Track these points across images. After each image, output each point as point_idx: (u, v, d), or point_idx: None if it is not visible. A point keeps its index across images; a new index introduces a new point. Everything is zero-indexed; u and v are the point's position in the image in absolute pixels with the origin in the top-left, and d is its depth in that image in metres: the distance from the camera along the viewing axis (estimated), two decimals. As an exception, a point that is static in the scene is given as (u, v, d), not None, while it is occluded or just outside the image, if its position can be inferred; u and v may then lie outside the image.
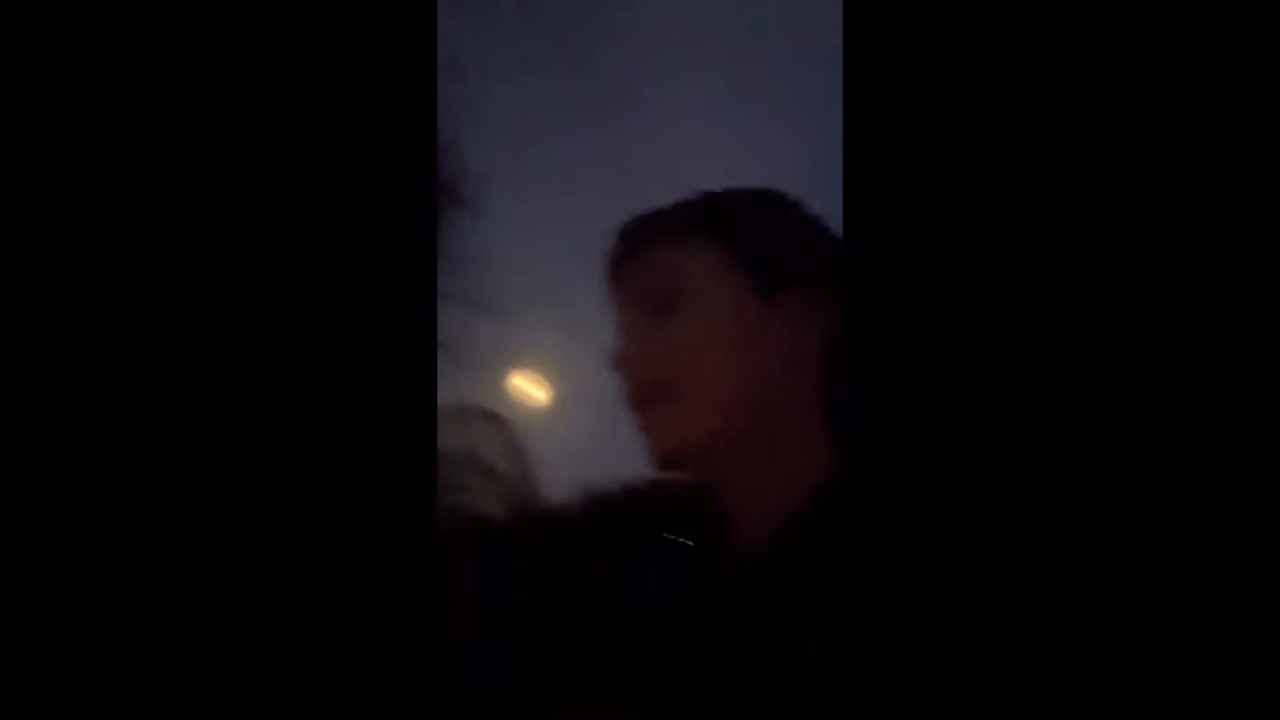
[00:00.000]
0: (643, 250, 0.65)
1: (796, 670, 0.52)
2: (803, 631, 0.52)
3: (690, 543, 0.67)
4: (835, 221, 0.63)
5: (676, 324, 0.60)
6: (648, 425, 0.61)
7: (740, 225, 0.63)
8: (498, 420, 0.91)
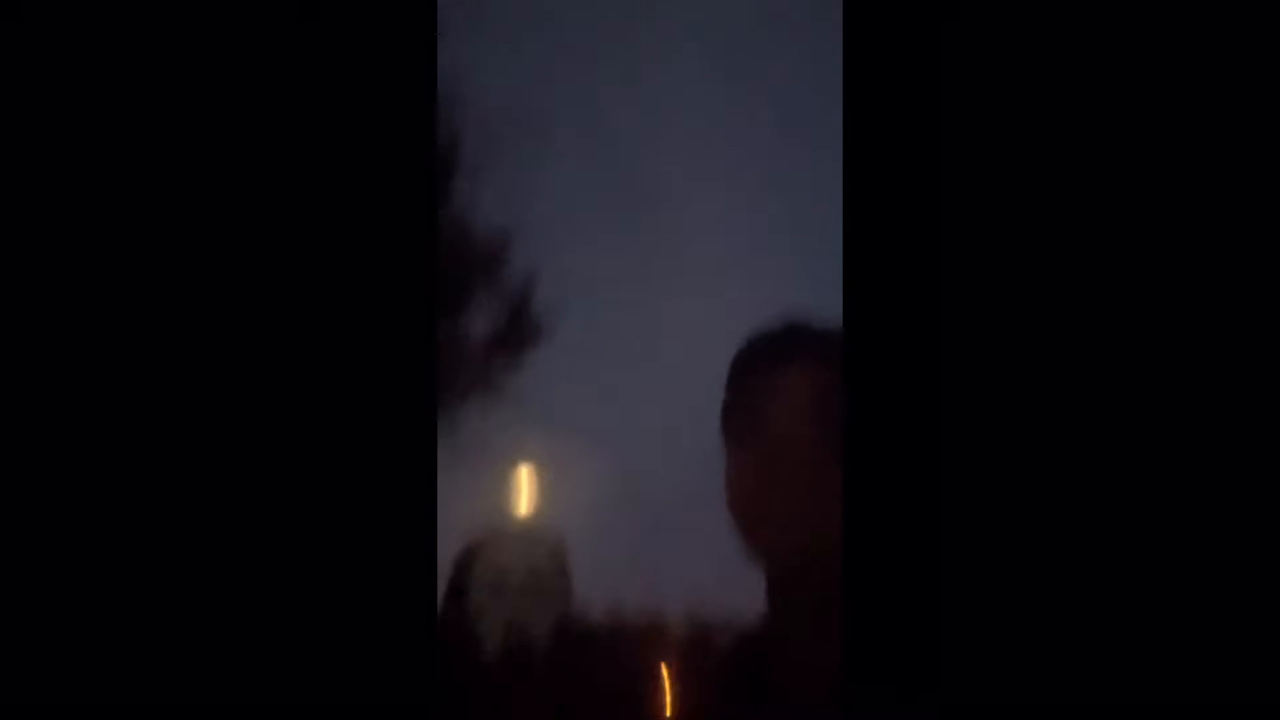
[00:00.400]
0: (746, 392, 0.72)
1: None
2: None
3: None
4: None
5: (782, 461, 0.66)
6: (756, 547, 0.68)
7: (830, 360, 0.67)
8: (544, 537, 0.87)
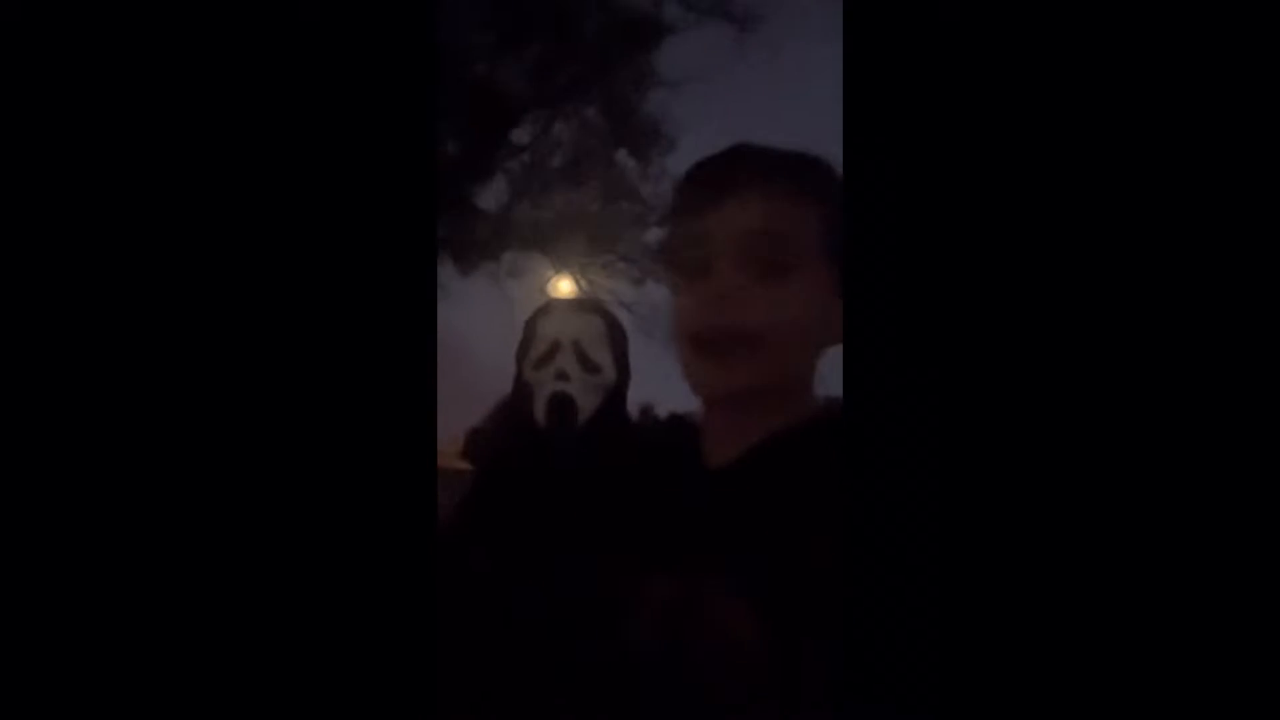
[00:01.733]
0: (689, 219, 0.69)
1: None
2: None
3: None
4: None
5: (771, 287, 0.64)
6: (712, 369, 0.67)
7: (779, 182, 0.67)
8: (606, 316, 0.90)
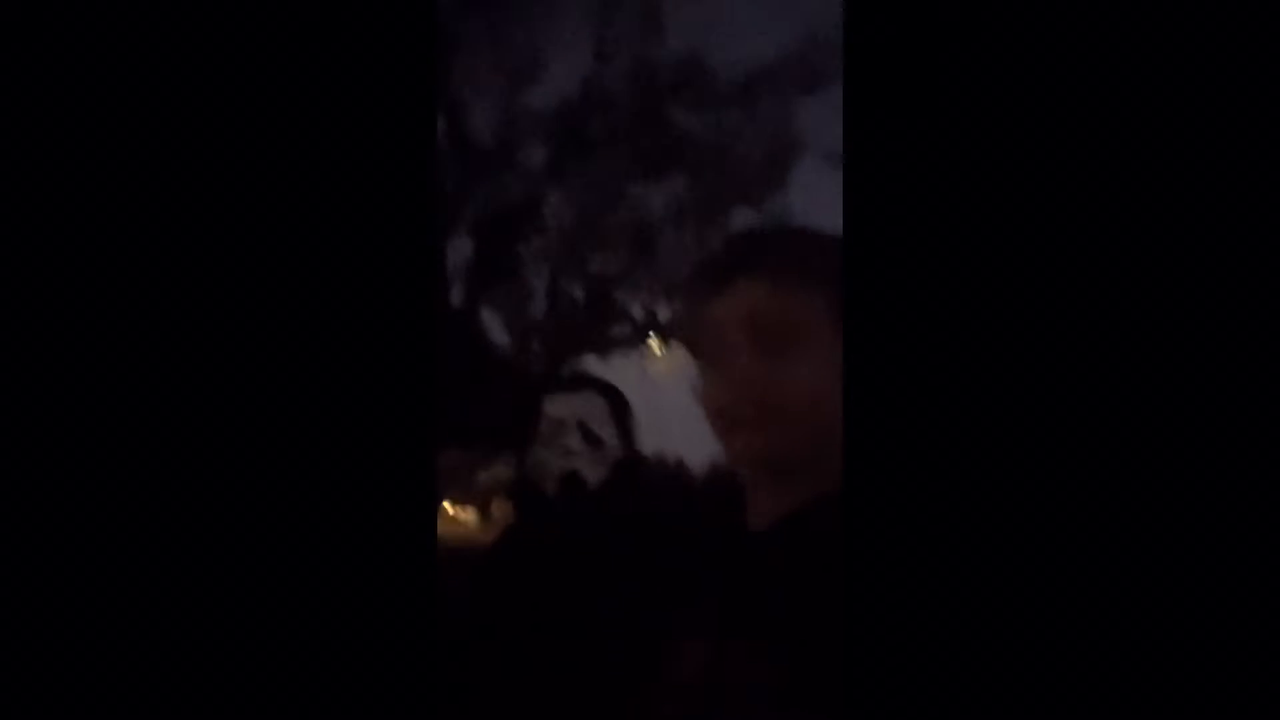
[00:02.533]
0: (700, 298, 0.72)
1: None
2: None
3: None
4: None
5: (788, 360, 0.67)
6: (744, 440, 0.69)
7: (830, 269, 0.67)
8: (608, 393, 0.94)
